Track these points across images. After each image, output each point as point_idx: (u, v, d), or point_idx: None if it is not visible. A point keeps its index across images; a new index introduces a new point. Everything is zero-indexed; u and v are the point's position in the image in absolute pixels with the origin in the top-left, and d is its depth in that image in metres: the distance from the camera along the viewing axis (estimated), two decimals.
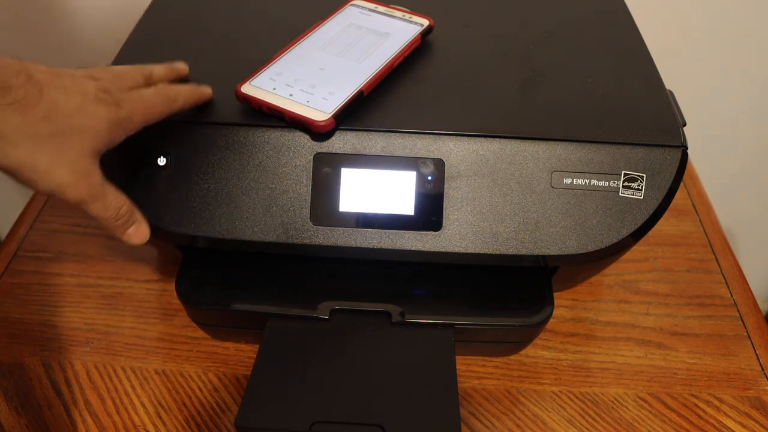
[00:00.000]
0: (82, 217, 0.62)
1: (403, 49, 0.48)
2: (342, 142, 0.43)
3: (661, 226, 0.57)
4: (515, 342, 0.50)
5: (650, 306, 0.56)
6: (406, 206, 0.44)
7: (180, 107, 0.42)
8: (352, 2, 0.53)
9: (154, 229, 0.44)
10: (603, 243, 0.43)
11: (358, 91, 0.43)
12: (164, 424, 0.47)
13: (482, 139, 0.43)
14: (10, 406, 0.48)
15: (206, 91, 0.44)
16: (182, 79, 0.46)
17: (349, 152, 0.43)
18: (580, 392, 0.50)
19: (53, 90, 0.35)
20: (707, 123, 0.92)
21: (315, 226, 0.43)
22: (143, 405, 0.48)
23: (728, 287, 0.57)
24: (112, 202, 0.39)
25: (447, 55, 0.50)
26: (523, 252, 0.43)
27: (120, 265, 0.58)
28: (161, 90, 0.41)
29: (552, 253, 0.43)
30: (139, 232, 0.42)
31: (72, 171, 0.36)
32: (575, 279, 0.56)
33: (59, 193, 0.36)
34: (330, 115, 0.42)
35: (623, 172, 0.43)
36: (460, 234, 0.43)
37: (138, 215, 0.42)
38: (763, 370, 0.51)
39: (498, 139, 0.43)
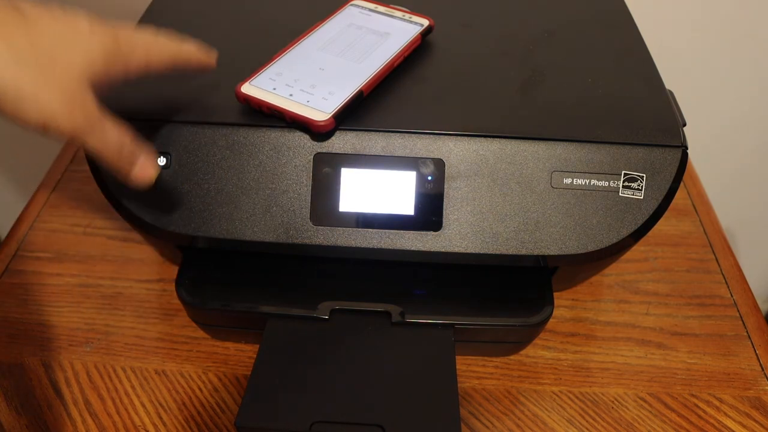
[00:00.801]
0: (82, 216, 0.62)
1: (403, 49, 0.48)
2: (342, 142, 0.43)
3: (661, 226, 0.57)
4: (515, 342, 0.50)
5: (650, 306, 0.56)
6: (406, 206, 0.44)
7: (184, 60, 0.40)
8: (352, 2, 0.53)
9: (154, 229, 0.44)
10: (603, 243, 0.43)
11: (358, 91, 0.43)
12: (164, 424, 0.47)
13: (482, 139, 0.43)
14: (10, 406, 0.48)
15: (212, 54, 0.42)
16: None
17: (349, 152, 0.43)
18: (580, 392, 0.50)
19: (41, 20, 0.33)
20: (707, 123, 0.93)
21: (315, 226, 0.43)
22: (143, 405, 0.48)
23: (728, 287, 0.57)
24: (112, 134, 0.35)
25: (447, 55, 0.50)
26: (523, 252, 0.43)
27: (120, 265, 0.58)
28: (166, 35, 0.39)
29: (552, 253, 0.43)
30: (144, 169, 0.38)
31: (62, 96, 0.33)
32: (575, 279, 0.56)
33: (52, 123, 0.33)
34: (330, 115, 0.42)
35: (623, 172, 0.43)
36: (460, 234, 0.43)
37: (144, 148, 0.38)
38: (763, 370, 0.51)
39: (498, 139, 0.43)
